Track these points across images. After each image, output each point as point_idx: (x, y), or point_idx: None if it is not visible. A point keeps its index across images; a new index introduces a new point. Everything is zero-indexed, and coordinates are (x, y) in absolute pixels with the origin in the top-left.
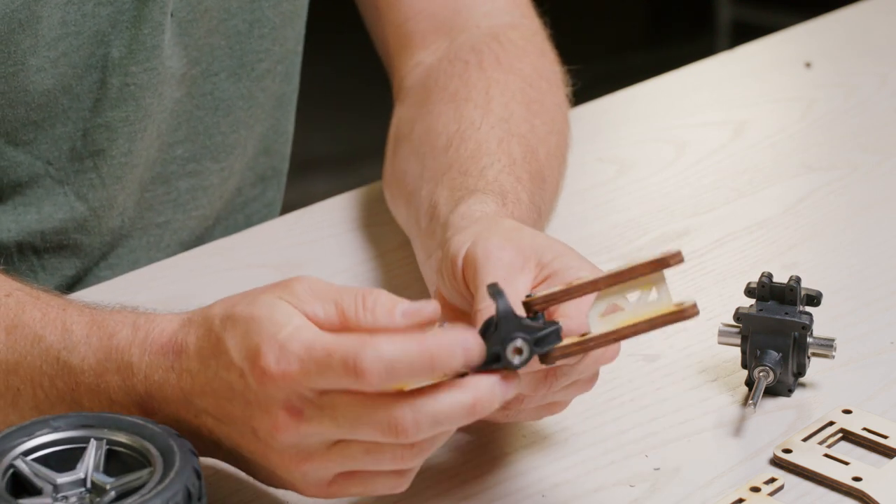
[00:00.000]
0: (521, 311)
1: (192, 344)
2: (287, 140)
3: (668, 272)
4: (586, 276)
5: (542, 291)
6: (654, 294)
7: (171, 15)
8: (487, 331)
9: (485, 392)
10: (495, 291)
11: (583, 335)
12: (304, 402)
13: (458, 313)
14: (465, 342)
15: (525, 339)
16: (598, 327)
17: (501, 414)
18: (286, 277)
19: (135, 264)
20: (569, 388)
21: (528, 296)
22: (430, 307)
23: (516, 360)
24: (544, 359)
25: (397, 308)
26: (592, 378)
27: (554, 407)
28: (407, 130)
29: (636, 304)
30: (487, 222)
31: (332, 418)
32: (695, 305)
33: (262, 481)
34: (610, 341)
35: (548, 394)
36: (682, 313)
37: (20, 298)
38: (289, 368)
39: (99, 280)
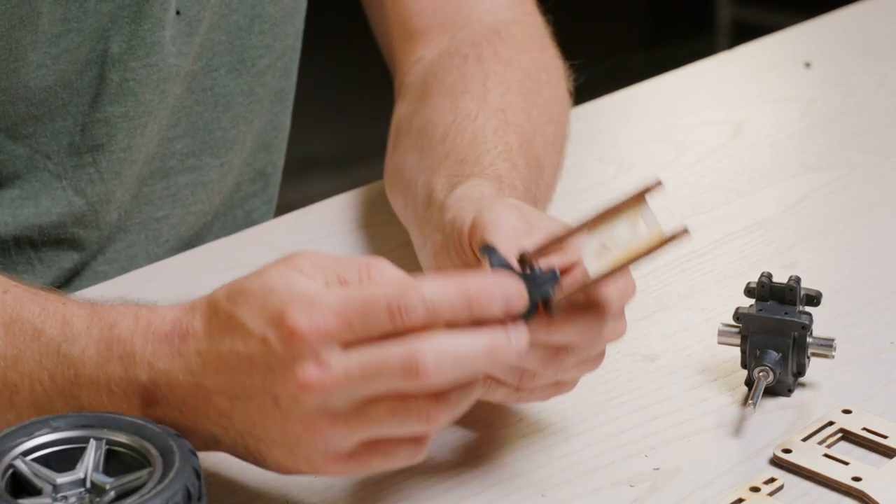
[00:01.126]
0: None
1: (199, 327)
2: (284, 136)
3: (667, 281)
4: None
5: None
6: (642, 224)
7: (178, 13)
8: None
9: (501, 336)
10: (487, 248)
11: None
12: (331, 356)
13: None
14: (506, 285)
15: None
16: (594, 268)
17: (513, 394)
18: None
19: (133, 259)
20: (577, 367)
21: (521, 253)
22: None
23: None
24: (548, 306)
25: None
26: (599, 356)
27: (562, 386)
28: (406, 126)
29: (628, 238)
30: (489, 199)
31: (360, 365)
32: (686, 229)
33: (272, 467)
34: (610, 276)
35: (558, 371)
36: (675, 237)
37: (18, 294)
38: (324, 323)
39: (97, 275)
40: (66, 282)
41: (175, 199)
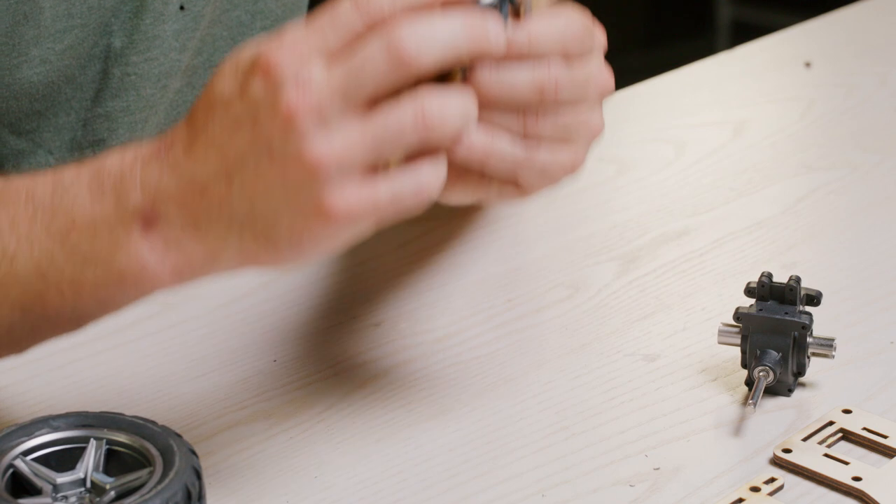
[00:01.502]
0: None
1: (182, 131)
2: None
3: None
4: None
5: None
6: None
7: (182, 8)
8: None
9: (477, 15)
10: None
11: None
12: (310, 73)
13: None
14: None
15: None
16: None
17: (514, 189)
18: (286, 278)
19: None
20: (559, 145)
21: None
22: None
23: None
24: (518, 11)
25: None
26: (595, 117)
27: (563, 167)
28: None
29: None
30: None
31: (342, 71)
32: None
33: (284, 252)
34: None
35: (538, 128)
36: None
37: (7, 177)
38: (294, 42)
39: None
40: None
41: None
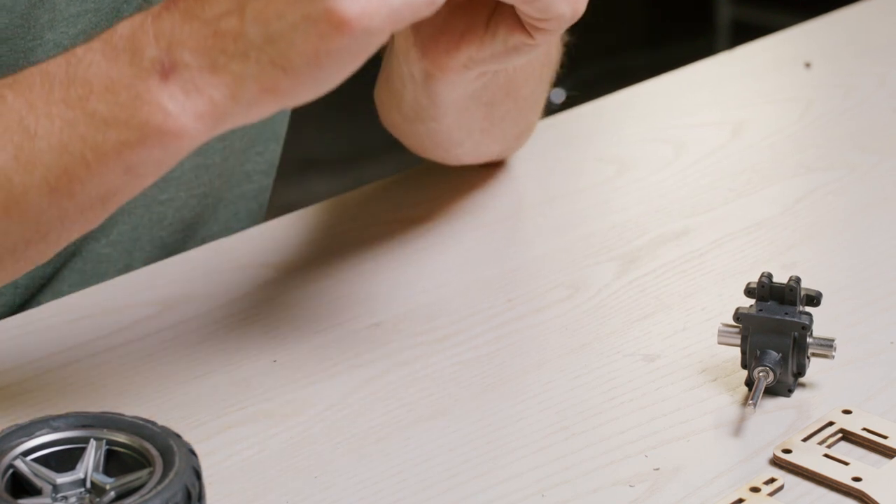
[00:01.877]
0: None
1: None
2: (284, 119)
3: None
4: None
5: None
6: None
7: None
8: None
9: None
10: None
11: None
12: None
13: None
14: None
15: None
16: None
17: (504, 31)
18: (287, 278)
19: (136, 241)
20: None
21: None
22: None
23: None
24: None
25: None
26: None
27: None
28: None
29: None
30: None
31: None
32: None
33: (303, 70)
34: None
35: None
36: None
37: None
38: None
39: (100, 257)
40: (67, 260)
41: (179, 181)
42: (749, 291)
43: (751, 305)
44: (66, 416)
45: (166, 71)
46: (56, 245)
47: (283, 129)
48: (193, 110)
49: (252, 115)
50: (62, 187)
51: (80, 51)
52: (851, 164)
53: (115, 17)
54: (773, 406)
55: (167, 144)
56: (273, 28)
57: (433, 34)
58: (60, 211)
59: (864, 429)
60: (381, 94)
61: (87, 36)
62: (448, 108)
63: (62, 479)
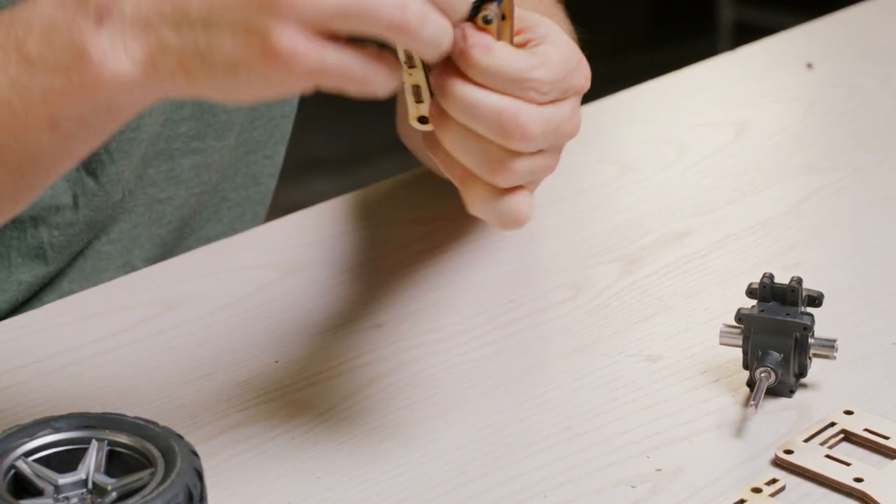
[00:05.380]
0: None
1: None
2: (290, 110)
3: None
4: None
5: None
6: None
7: None
8: None
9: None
10: None
11: None
12: None
13: None
14: None
15: None
16: None
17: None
18: (289, 278)
19: (136, 239)
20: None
21: None
22: None
23: None
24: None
25: None
26: (574, 92)
27: (548, 156)
28: None
29: None
30: None
31: None
32: None
33: (220, 75)
34: None
35: (534, 94)
36: None
37: None
38: None
39: (100, 255)
40: (69, 261)
41: (178, 180)
42: (751, 292)
43: (753, 306)
44: (68, 416)
45: (102, 16)
46: (23, 201)
47: (289, 131)
48: (115, 63)
49: (168, 89)
50: (17, 145)
51: None
52: (854, 163)
53: None
54: (775, 407)
55: (86, 94)
56: (214, 15)
57: None
58: (18, 173)
59: (866, 429)
60: (400, 116)
61: None
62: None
63: (64, 479)
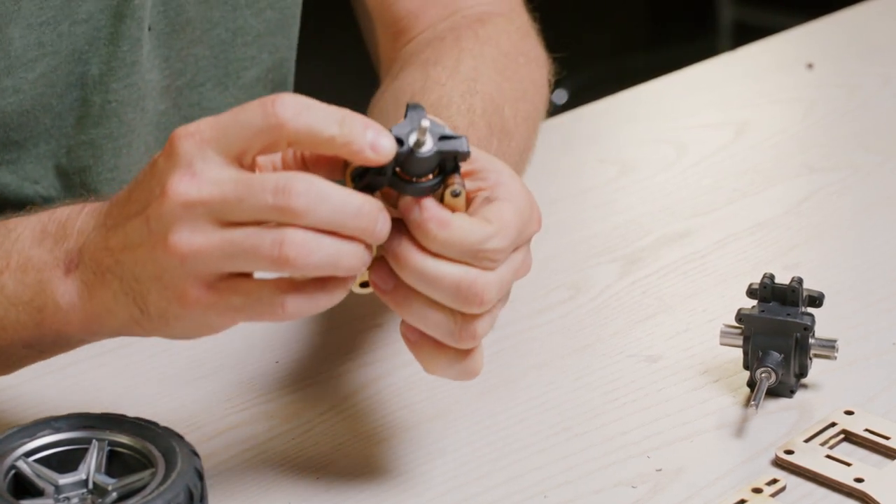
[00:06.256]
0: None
1: (128, 185)
2: None
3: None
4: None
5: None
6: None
7: (149, 28)
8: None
9: (368, 203)
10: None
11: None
12: (203, 172)
13: None
14: (374, 128)
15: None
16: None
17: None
18: None
19: None
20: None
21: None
22: None
23: (413, 139)
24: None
25: None
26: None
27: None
28: (378, 96)
29: None
30: None
31: (231, 179)
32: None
33: (156, 320)
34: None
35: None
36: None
37: None
38: (199, 131)
39: None
40: None
41: None
42: (751, 292)
43: (753, 306)
44: (69, 417)
45: (70, 266)
46: None
47: None
48: (80, 311)
49: (133, 332)
50: None
51: (14, 222)
52: (855, 164)
53: (78, 60)
54: (776, 407)
55: (58, 334)
56: (138, 271)
57: None
58: None
59: (867, 430)
60: None
61: (46, 80)
62: None
63: (64, 479)
